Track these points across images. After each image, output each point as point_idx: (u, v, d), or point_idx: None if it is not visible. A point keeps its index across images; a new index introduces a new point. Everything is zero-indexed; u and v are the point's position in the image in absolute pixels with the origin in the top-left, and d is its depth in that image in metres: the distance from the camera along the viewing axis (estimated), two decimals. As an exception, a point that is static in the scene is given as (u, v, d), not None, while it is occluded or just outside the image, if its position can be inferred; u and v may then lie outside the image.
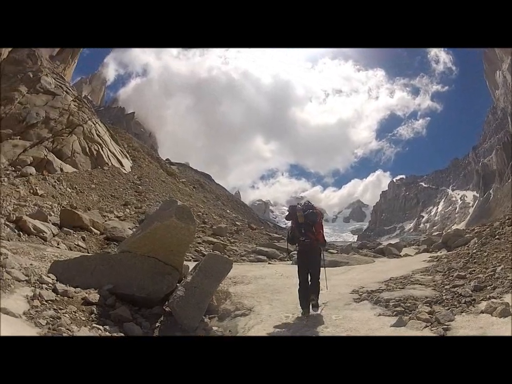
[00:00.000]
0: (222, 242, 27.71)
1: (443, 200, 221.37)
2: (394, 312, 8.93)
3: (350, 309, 9.72)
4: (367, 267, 17.04)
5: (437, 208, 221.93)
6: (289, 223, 10.08)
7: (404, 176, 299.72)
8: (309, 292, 9.40)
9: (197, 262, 12.53)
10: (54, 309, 8.99)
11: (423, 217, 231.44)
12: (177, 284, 11.02)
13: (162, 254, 11.30)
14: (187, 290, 9.99)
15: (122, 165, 42.45)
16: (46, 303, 9.15)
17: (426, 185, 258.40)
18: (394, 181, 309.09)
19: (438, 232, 49.02)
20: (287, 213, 9.98)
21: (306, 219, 9.38)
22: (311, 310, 9.36)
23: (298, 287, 9.69)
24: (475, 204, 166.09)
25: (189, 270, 11.83)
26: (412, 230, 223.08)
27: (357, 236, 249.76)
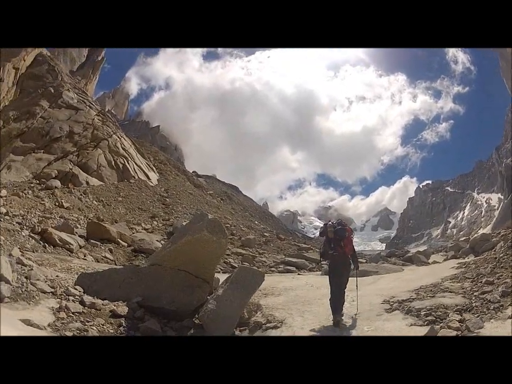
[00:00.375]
0: (251, 253, 27.50)
1: (469, 204, 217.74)
2: (426, 322, 8.94)
3: (382, 319, 9.73)
4: (397, 276, 16.88)
5: (463, 213, 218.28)
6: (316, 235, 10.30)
7: (430, 182, 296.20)
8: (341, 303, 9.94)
9: (227, 275, 12.45)
10: (81, 321, 8.89)
11: (450, 222, 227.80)
12: (208, 297, 10.94)
13: (193, 267, 11.22)
14: (218, 303, 9.91)
15: (149, 178, 42.43)
16: (72, 315, 9.03)
17: (452, 190, 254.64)
18: (421, 187, 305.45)
19: (465, 237, 48.30)
20: (315, 222, 10.04)
21: (336, 234, 10.15)
22: (343, 320, 9.71)
23: (330, 297, 10.11)
24: (499, 207, 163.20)
25: (220, 283, 11.65)
26: (439, 236, 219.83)
27: (385, 244, 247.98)
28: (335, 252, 10.01)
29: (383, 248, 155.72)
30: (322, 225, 11.11)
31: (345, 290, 10.10)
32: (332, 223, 10.61)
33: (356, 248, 10.83)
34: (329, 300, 10.07)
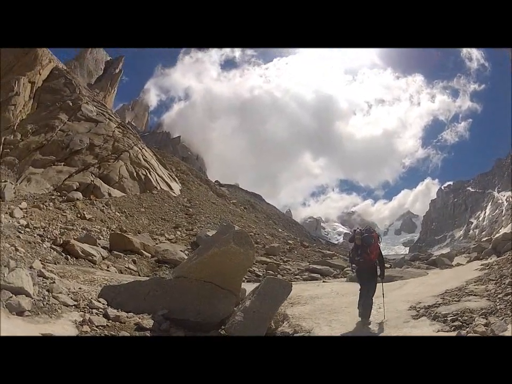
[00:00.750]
0: (275, 261, 27.41)
1: (490, 203, 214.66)
2: (453, 327, 8.91)
3: (409, 326, 9.65)
4: (421, 280, 16.75)
5: (485, 213, 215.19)
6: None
7: (451, 183, 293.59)
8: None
9: (252, 284, 12.85)
10: (105, 335, 8.67)
11: (472, 223, 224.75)
12: (235, 308, 10.79)
13: (220, 279, 11.08)
14: (245, 315, 9.77)
15: (171, 188, 42.39)
16: (96, 328, 8.84)
17: (473, 190, 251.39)
18: (442, 188, 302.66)
19: (487, 238, 47.57)
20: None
21: (363, 241, 10.50)
22: (369, 325, 10.07)
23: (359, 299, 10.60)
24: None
25: (246, 294, 11.60)
26: (461, 237, 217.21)
27: (408, 247, 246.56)
28: (361, 259, 10.42)
29: (407, 252, 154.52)
30: (351, 232, 11.49)
31: (372, 295, 10.44)
32: (360, 230, 10.91)
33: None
34: (358, 301, 10.54)
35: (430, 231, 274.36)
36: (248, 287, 12.07)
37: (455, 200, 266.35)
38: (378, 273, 10.71)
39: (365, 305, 10.35)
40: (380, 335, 9.25)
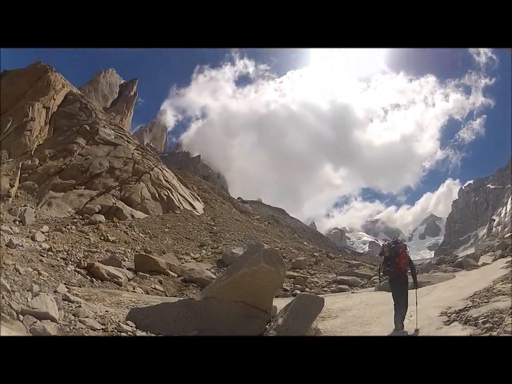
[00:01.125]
0: (302, 275, 27.38)
1: (510, 199, 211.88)
2: (484, 330, 8.85)
3: (442, 333, 9.62)
4: (449, 284, 16.64)
5: (506, 209, 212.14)
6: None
7: (471, 182, 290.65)
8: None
9: (280, 299, 12.95)
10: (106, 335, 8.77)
11: (494, 220, 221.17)
12: (267, 326, 10.68)
13: (251, 298, 10.91)
14: (278, 333, 9.67)
15: (194, 208, 42.37)
16: None
17: (493, 187, 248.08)
18: (463, 188, 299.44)
19: (510, 233, 46.80)
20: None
21: (391, 253, 11.05)
22: (404, 327, 10.40)
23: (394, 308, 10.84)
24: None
25: (278, 311, 11.51)
26: (485, 236, 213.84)
27: (433, 251, 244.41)
28: (391, 268, 10.95)
29: (432, 256, 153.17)
30: (381, 244, 12.41)
31: (403, 302, 10.69)
32: (388, 243, 11.51)
33: (407, 260, 11.47)
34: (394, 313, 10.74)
35: (454, 233, 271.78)
36: (276, 302, 12.01)
37: (476, 199, 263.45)
38: (410, 282, 11.06)
39: (400, 312, 10.59)
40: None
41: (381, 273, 11.90)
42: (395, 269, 10.92)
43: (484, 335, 8.46)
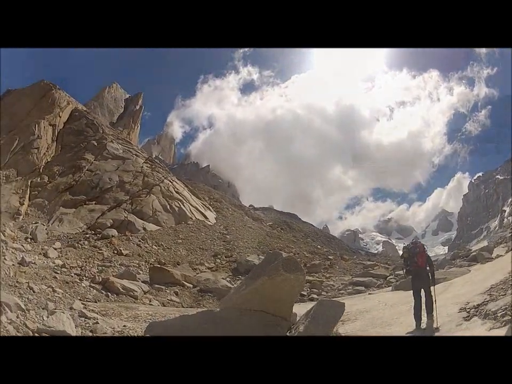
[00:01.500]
0: (318, 279, 27.43)
1: None
2: (503, 323, 8.85)
3: (462, 329, 9.70)
4: (465, 279, 16.79)
5: None
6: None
7: (480, 174, 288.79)
8: (420, 310, 10.91)
9: (297, 304, 12.68)
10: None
11: (505, 211, 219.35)
12: (287, 334, 10.65)
13: (270, 306, 10.83)
14: None
15: (206, 218, 42.25)
16: None
17: (502, 177, 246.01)
18: (473, 181, 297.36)
19: None
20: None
21: (410, 253, 11.64)
22: (422, 324, 10.63)
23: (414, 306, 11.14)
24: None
25: (298, 318, 11.44)
26: (497, 227, 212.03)
27: (447, 246, 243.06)
28: (411, 267, 11.50)
29: (446, 251, 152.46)
30: (402, 247, 12.68)
31: (428, 298, 10.99)
32: (408, 245, 12.07)
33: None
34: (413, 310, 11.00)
35: (466, 227, 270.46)
36: (294, 308, 11.86)
37: (486, 191, 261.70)
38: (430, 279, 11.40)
39: (420, 309, 10.91)
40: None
41: (404, 273, 12.65)
42: (414, 267, 11.38)
43: (503, 328, 8.39)
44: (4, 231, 23.10)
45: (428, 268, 11.44)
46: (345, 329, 11.89)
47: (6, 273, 15.04)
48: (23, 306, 10.12)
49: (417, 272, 11.41)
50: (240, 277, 25.36)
